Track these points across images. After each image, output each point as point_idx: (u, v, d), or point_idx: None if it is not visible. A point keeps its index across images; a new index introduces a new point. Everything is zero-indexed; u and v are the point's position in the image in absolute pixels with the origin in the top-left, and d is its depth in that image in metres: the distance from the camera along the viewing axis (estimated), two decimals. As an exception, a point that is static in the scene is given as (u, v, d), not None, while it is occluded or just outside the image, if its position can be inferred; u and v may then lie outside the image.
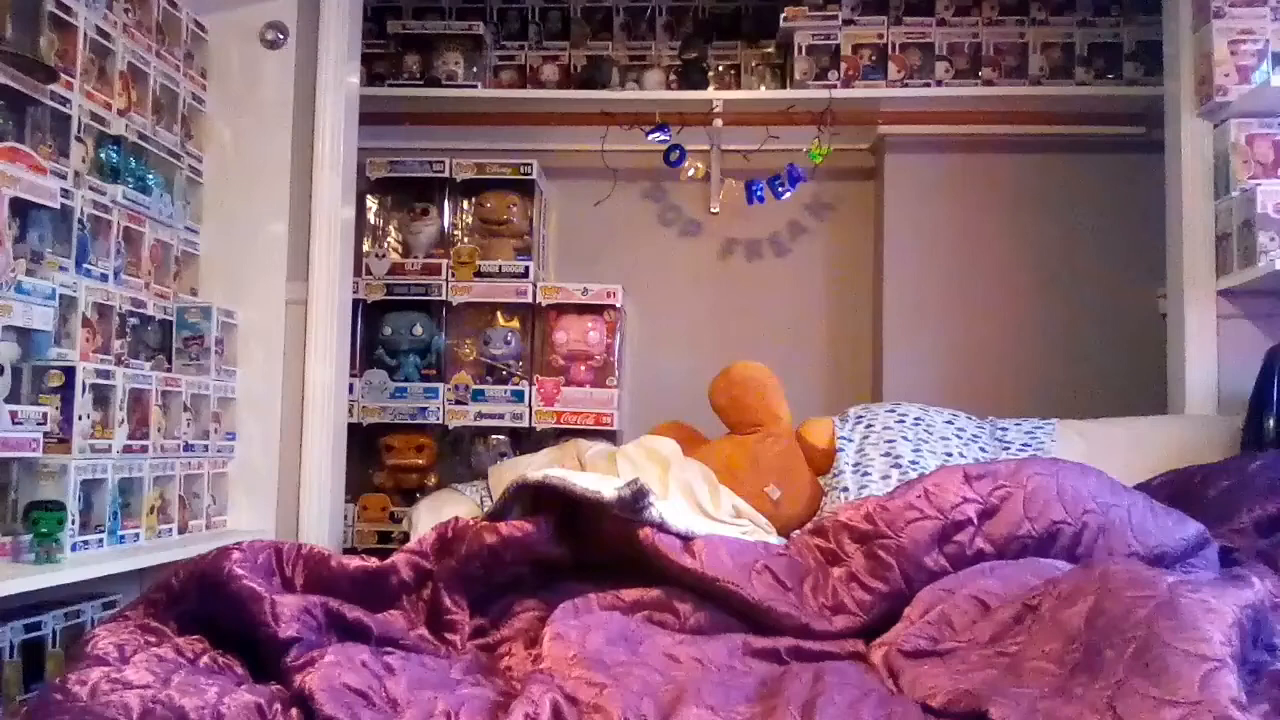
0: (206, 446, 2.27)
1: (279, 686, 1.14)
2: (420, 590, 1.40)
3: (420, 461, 3.12)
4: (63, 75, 1.92)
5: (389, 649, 1.25)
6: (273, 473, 2.39)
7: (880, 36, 3.29)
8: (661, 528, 1.44)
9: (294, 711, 1.06)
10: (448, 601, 1.37)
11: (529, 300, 3.16)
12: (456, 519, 1.50)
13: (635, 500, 1.42)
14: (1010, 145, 3.27)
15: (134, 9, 2.18)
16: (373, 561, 1.40)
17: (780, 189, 3.24)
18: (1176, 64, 2.58)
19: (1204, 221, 2.51)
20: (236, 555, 1.27)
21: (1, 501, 1.76)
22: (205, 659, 1.19)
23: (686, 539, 1.45)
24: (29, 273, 1.76)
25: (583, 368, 3.17)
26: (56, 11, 1.92)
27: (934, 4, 3.34)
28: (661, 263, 3.47)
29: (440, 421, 3.10)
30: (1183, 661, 0.92)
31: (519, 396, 3.10)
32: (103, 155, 2.07)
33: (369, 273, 3.16)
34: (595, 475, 1.69)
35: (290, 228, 2.43)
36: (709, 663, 1.25)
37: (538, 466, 2.58)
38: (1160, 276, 2.72)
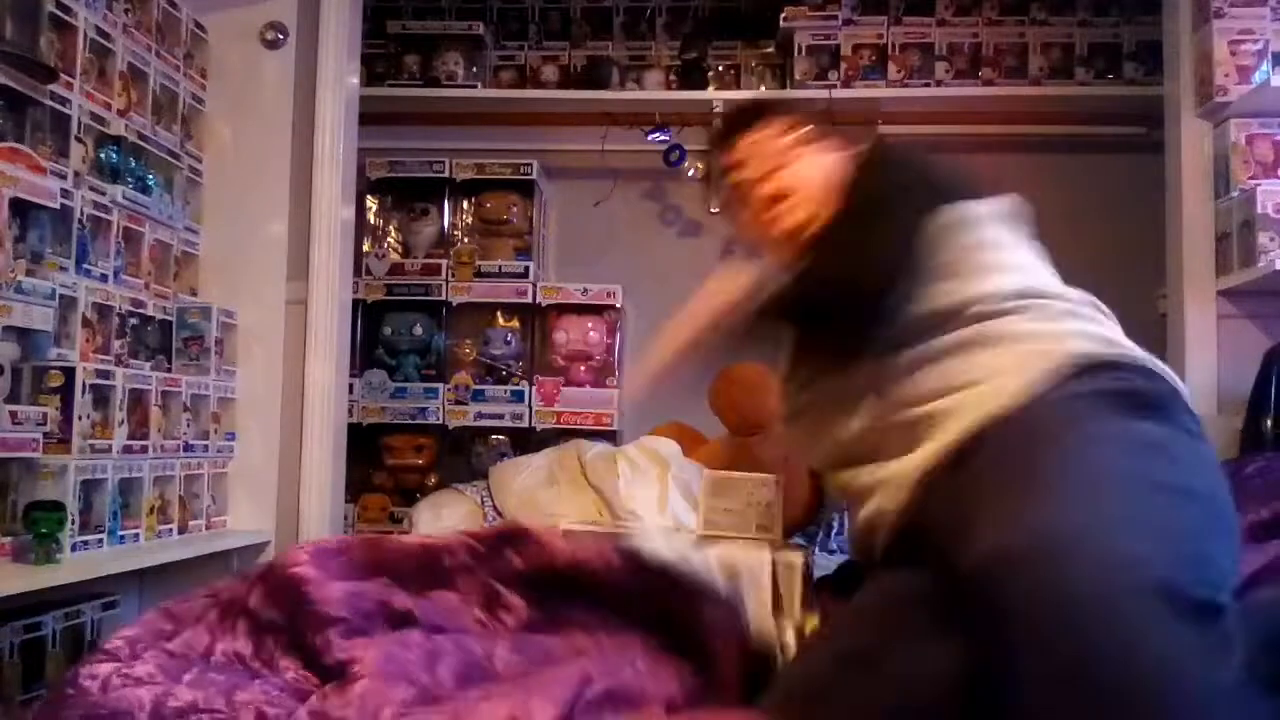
0: (206, 446, 2.27)
1: (295, 675, 1.14)
2: (476, 573, 1.38)
3: (420, 461, 3.13)
4: (62, 75, 1.92)
5: (436, 635, 1.25)
6: (272, 473, 2.39)
7: (880, 36, 3.29)
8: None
9: (325, 688, 1.08)
10: (504, 593, 1.35)
11: (529, 300, 3.17)
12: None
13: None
14: (1010, 145, 3.27)
15: (134, 9, 2.18)
16: (432, 539, 1.40)
17: (780, 189, 3.23)
18: (1176, 64, 2.58)
19: (1204, 221, 2.51)
20: (301, 550, 1.29)
21: (1, 501, 1.76)
22: (217, 654, 1.20)
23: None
24: (29, 273, 1.76)
25: (583, 368, 3.17)
26: (56, 11, 1.92)
27: (934, 4, 3.34)
28: (661, 263, 3.46)
29: (440, 421, 3.10)
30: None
31: (519, 396, 3.10)
32: (102, 155, 2.07)
33: (369, 273, 3.16)
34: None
35: (290, 228, 2.43)
36: None
37: (538, 467, 2.58)
38: (1160, 276, 2.72)
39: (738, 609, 1.32)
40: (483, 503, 2.50)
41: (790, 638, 1.45)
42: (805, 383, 1.46)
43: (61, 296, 1.88)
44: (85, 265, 1.98)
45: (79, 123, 1.99)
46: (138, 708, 1.01)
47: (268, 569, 1.28)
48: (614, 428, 3.09)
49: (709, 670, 1.25)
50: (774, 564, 1.63)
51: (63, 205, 1.86)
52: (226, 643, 1.22)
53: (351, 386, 2.96)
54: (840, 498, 1.58)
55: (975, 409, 1.23)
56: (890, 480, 1.30)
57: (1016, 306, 1.32)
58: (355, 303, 2.86)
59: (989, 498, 1.06)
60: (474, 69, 3.35)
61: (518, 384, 3.13)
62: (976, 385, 1.25)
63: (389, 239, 3.28)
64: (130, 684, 1.05)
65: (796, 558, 1.68)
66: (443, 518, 2.41)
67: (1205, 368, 2.48)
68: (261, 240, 2.43)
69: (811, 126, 1.55)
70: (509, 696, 1.04)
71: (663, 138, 3.28)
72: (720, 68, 3.48)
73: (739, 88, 3.41)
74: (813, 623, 1.53)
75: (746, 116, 1.59)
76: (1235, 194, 2.41)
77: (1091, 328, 1.32)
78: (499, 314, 3.24)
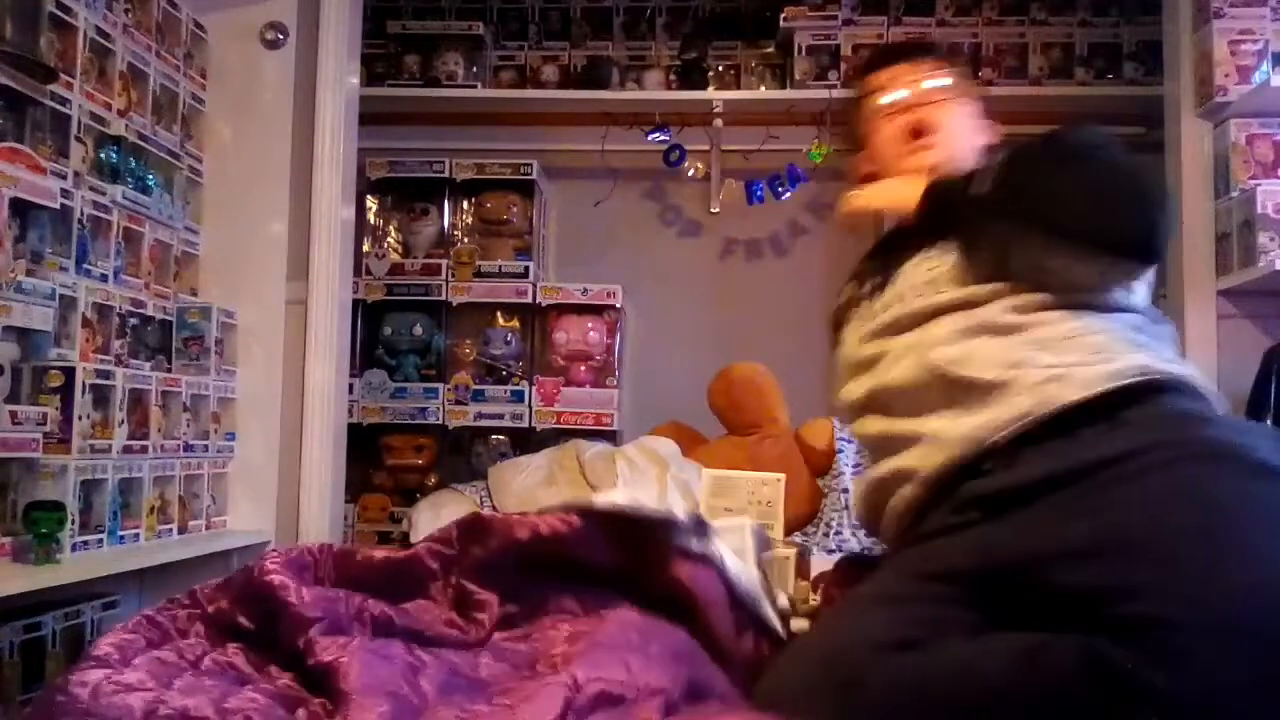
0: (206, 447, 2.27)
1: (288, 682, 1.14)
2: (447, 577, 1.37)
3: (420, 461, 3.13)
4: (62, 75, 1.92)
5: (416, 644, 1.24)
6: (272, 473, 2.39)
7: (880, 36, 3.29)
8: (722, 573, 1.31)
9: (314, 700, 1.07)
10: (473, 590, 1.34)
11: (529, 300, 3.17)
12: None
13: (698, 528, 1.35)
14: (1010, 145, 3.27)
15: (134, 9, 2.18)
16: (399, 552, 1.39)
17: (780, 189, 3.24)
18: (1176, 64, 2.58)
19: (1204, 221, 2.51)
20: (272, 556, 1.28)
21: (1, 501, 1.76)
22: (208, 661, 1.20)
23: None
24: (29, 273, 1.76)
25: (583, 368, 3.17)
26: (56, 11, 1.92)
27: (934, 4, 3.34)
28: (661, 263, 3.47)
29: (440, 421, 3.10)
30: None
31: (519, 396, 3.10)
32: (103, 155, 2.07)
33: (369, 273, 3.17)
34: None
35: (290, 228, 2.43)
36: None
37: (538, 467, 2.59)
38: (1160, 276, 2.71)
39: (716, 565, 1.30)
40: (482, 503, 2.50)
41: (784, 602, 1.43)
42: (873, 291, 1.44)
43: (61, 296, 1.87)
44: (85, 265, 1.99)
45: (79, 123, 1.99)
46: (128, 715, 1.01)
47: (244, 583, 1.27)
48: (614, 428, 3.09)
49: (701, 636, 1.23)
50: (760, 559, 1.61)
51: (63, 205, 1.86)
52: (218, 653, 1.22)
53: (351, 386, 2.96)
54: (861, 442, 1.56)
55: (1045, 390, 1.18)
56: (933, 437, 1.24)
57: (1084, 300, 1.29)
58: (355, 303, 2.86)
59: (1141, 530, 1.00)
60: (474, 69, 3.36)
61: (518, 384, 3.13)
62: (1050, 366, 1.20)
63: (389, 239, 3.28)
64: (121, 691, 1.04)
65: (789, 551, 1.67)
66: (442, 518, 2.41)
67: (1205, 368, 2.46)
68: (261, 240, 2.43)
69: (964, 77, 1.60)
70: (494, 717, 1.03)
71: (663, 138, 3.28)
72: (720, 68, 3.48)
73: (739, 88, 3.41)
74: (812, 601, 1.52)
75: (906, 49, 1.65)
76: (1235, 194, 2.41)
77: (1140, 337, 1.29)
78: (499, 314, 3.24)
